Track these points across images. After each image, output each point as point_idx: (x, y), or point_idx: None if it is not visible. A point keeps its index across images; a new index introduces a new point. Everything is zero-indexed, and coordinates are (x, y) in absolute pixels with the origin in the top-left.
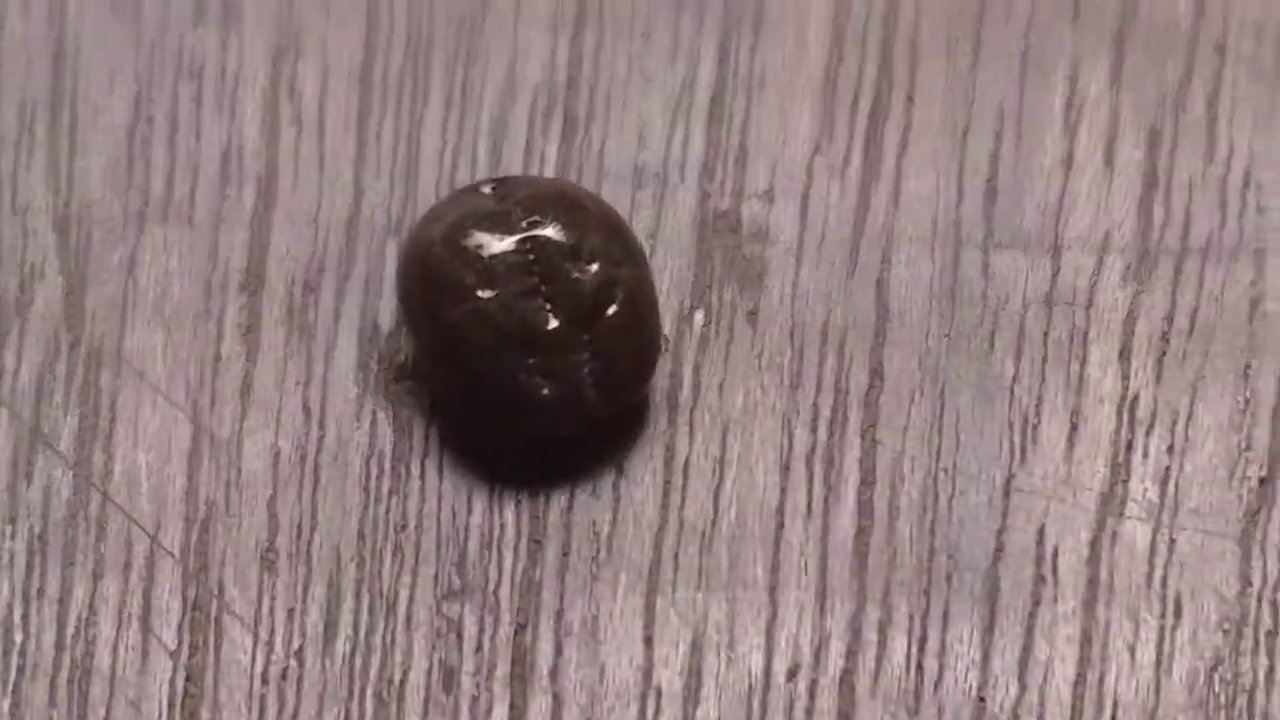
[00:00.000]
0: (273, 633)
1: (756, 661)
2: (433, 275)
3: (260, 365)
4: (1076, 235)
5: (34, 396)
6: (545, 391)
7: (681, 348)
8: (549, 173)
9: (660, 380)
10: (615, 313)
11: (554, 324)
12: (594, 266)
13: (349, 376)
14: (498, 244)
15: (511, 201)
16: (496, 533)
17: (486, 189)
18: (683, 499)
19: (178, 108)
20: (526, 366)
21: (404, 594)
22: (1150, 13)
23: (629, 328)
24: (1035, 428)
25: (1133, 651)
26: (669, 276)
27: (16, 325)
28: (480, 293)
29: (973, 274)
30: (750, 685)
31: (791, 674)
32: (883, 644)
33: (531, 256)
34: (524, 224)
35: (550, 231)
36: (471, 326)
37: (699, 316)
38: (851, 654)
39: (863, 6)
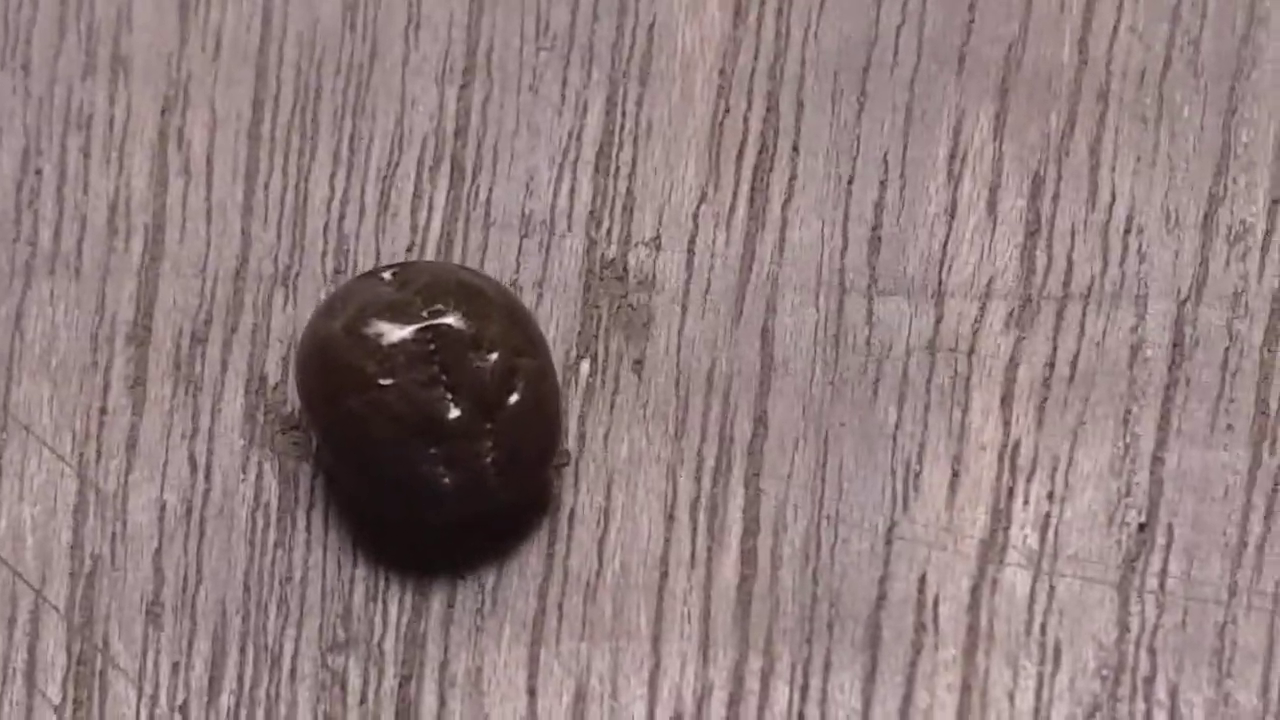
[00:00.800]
0: (157, 686)
1: (639, 711)
2: (334, 365)
3: (147, 418)
4: (960, 282)
5: None
6: (447, 480)
7: (567, 398)
8: (436, 222)
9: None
10: (517, 400)
11: (455, 413)
12: (494, 355)
13: (235, 429)
14: (398, 332)
15: (411, 290)
16: (381, 585)
17: (386, 275)
18: (568, 549)
19: (66, 159)
20: (429, 456)
21: (289, 646)
22: (1034, 62)
23: (531, 414)
24: (918, 475)
25: (1012, 699)
26: (555, 325)
27: None
28: (381, 380)
29: (857, 321)
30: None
31: None
32: (765, 693)
33: (432, 346)
34: (425, 313)
35: (451, 320)
36: (373, 415)
37: (585, 366)
38: (734, 702)
39: (748, 58)
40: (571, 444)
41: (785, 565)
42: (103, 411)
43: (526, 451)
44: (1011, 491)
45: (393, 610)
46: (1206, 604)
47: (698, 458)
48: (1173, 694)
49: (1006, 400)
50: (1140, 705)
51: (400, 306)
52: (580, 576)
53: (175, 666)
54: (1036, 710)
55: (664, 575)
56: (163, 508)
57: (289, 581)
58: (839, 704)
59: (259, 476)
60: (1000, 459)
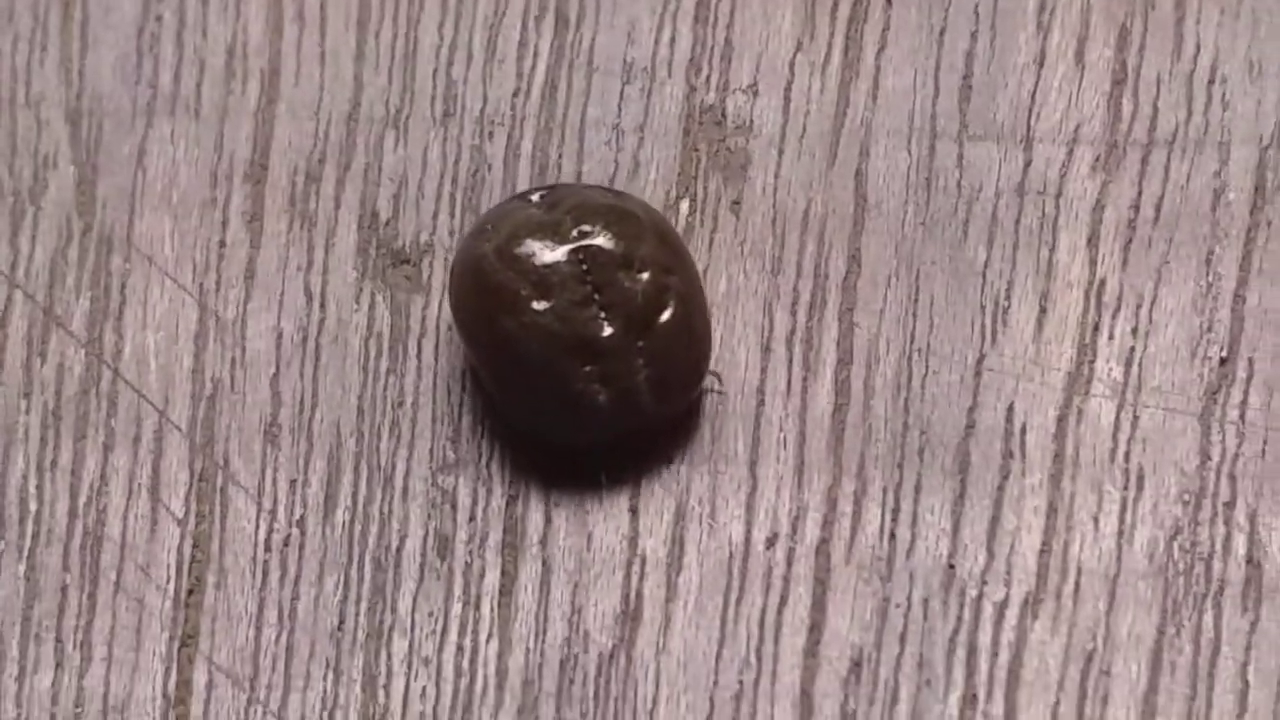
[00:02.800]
0: (276, 502)
1: (737, 531)
2: (488, 286)
3: (264, 251)
4: (1048, 129)
5: (48, 280)
6: (602, 398)
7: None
8: (540, 69)
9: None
10: (668, 319)
11: (609, 332)
12: (645, 275)
13: (348, 262)
14: (550, 254)
15: (561, 211)
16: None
17: (535, 196)
18: None
19: (185, 6)
20: (583, 374)
21: (400, 467)
22: None
23: (681, 333)
24: (1006, 311)
25: (1096, 522)
26: (656, 168)
27: (31, 212)
28: (535, 304)
29: (948, 165)
30: (730, 553)
31: (770, 543)
32: (857, 515)
33: (584, 266)
34: (575, 233)
35: (602, 241)
36: (528, 337)
37: (685, 206)
38: (827, 524)
39: None
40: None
41: (877, 395)
42: (222, 244)
43: (679, 368)
44: (1097, 327)
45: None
46: None
47: (793, 293)
48: (1251, 518)
49: (1092, 241)
50: (1220, 529)
51: (551, 227)
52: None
53: (293, 484)
54: (1120, 533)
55: (760, 404)
56: (279, 335)
57: (400, 406)
58: (929, 525)
59: (371, 307)
60: (1086, 296)
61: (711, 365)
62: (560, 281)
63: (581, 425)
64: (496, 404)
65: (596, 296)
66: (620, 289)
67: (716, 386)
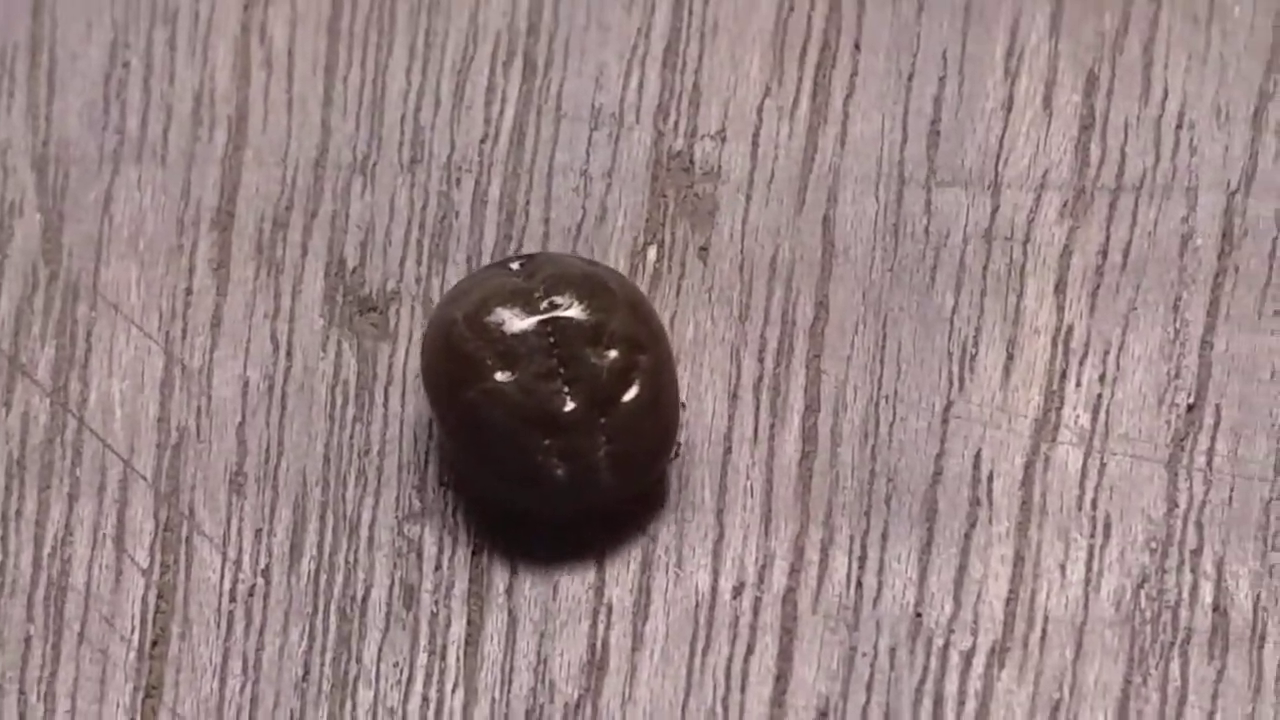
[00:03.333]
0: (241, 552)
1: (704, 580)
2: (455, 353)
3: (230, 298)
4: (1016, 174)
5: (13, 328)
6: (561, 473)
7: (635, 282)
8: (509, 115)
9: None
10: (633, 398)
11: (571, 407)
12: (613, 352)
13: (315, 309)
14: (519, 324)
15: (537, 280)
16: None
17: (515, 265)
18: None
19: (152, 52)
20: (543, 447)
21: (366, 516)
22: None
23: (646, 413)
24: (973, 357)
25: (1063, 570)
26: (624, 214)
27: None
28: (499, 374)
29: (916, 211)
30: (697, 602)
31: (737, 591)
32: (824, 563)
33: (552, 339)
34: (545, 304)
35: (572, 313)
36: (490, 406)
37: (652, 252)
38: (794, 572)
39: None
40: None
41: (845, 442)
42: (188, 292)
43: (641, 447)
44: (1064, 373)
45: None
46: (1252, 481)
47: (761, 339)
48: (1219, 566)
49: (1060, 286)
50: (1187, 576)
51: (523, 296)
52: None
53: (258, 533)
54: (1087, 580)
55: (728, 451)
56: (246, 383)
57: (367, 454)
58: (895, 574)
59: (338, 354)
60: (1054, 342)
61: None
62: (526, 353)
63: (540, 498)
64: (458, 471)
65: (562, 370)
66: (586, 364)
67: (676, 454)
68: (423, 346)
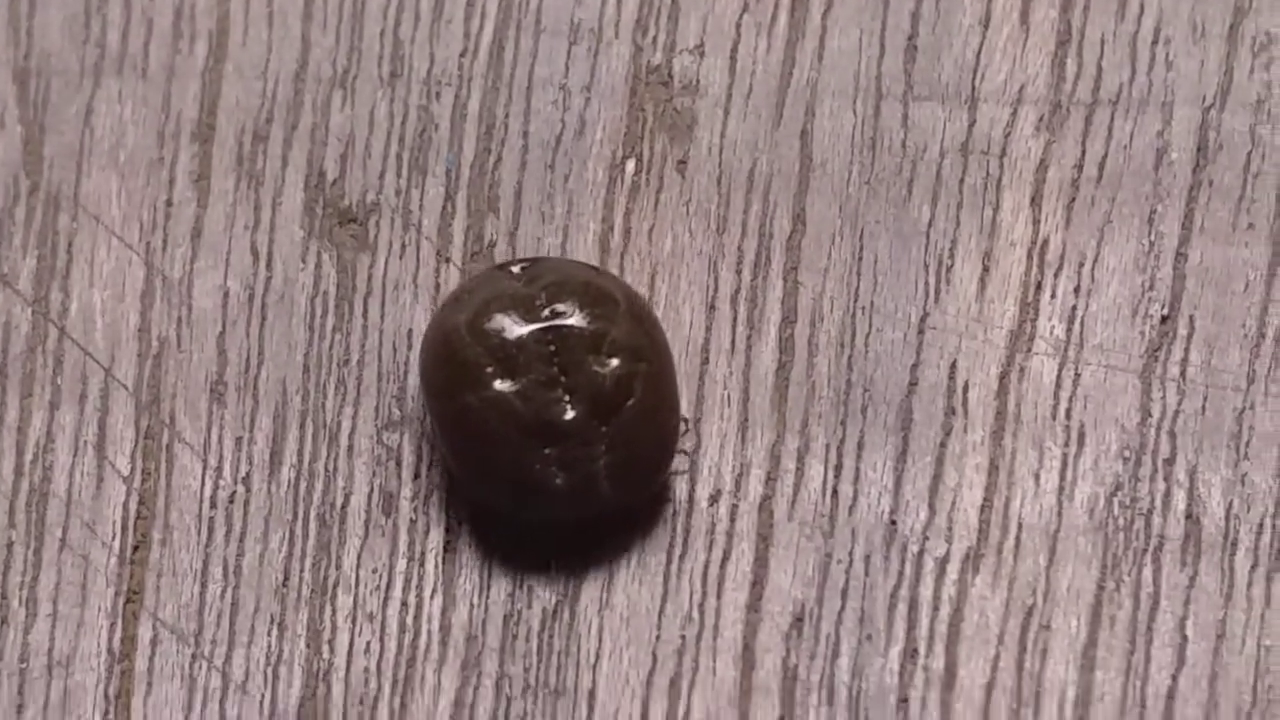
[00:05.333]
0: (221, 460)
1: (680, 487)
2: (454, 359)
3: (210, 210)
4: (992, 89)
5: None
6: (559, 481)
7: (613, 195)
8: (488, 29)
9: (592, 225)
10: (634, 406)
11: (571, 415)
12: (615, 361)
13: (295, 221)
14: (519, 330)
15: (538, 286)
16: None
17: (516, 269)
18: None
19: None
20: (542, 456)
21: (346, 424)
22: None
23: (647, 422)
24: (949, 269)
25: (1037, 478)
26: (602, 128)
27: None
28: (499, 382)
29: (893, 125)
30: (674, 509)
31: (713, 499)
32: (800, 471)
33: (552, 347)
34: (547, 312)
35: (573, 322)
36: (489, 413)
37: (630, 166)
38: (771, 480)
39: None
40: (617, 239)
41: (821, 353)
42: (169, 204)
43: (641, 457)
44: (1040, 285)
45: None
46: (1225, 391)
47: (738, 252)
48: (1191, 474)
49: (1036, 200)
50: (1160, 485)
51: (525, 303)
52: None
53: (238, 441)
54: (1061, 489)
55: (705, 362)
56: (226, 294)
57: (347, 364)
58: (871, 481)
59: (318, 266)
60: (1029, 255)
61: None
62: (526, 361)
63: (537, 507)
64: (453, 478)
65: (563, 379)
66: (587, 372)
67: (684, 468)
68: (421, 349)
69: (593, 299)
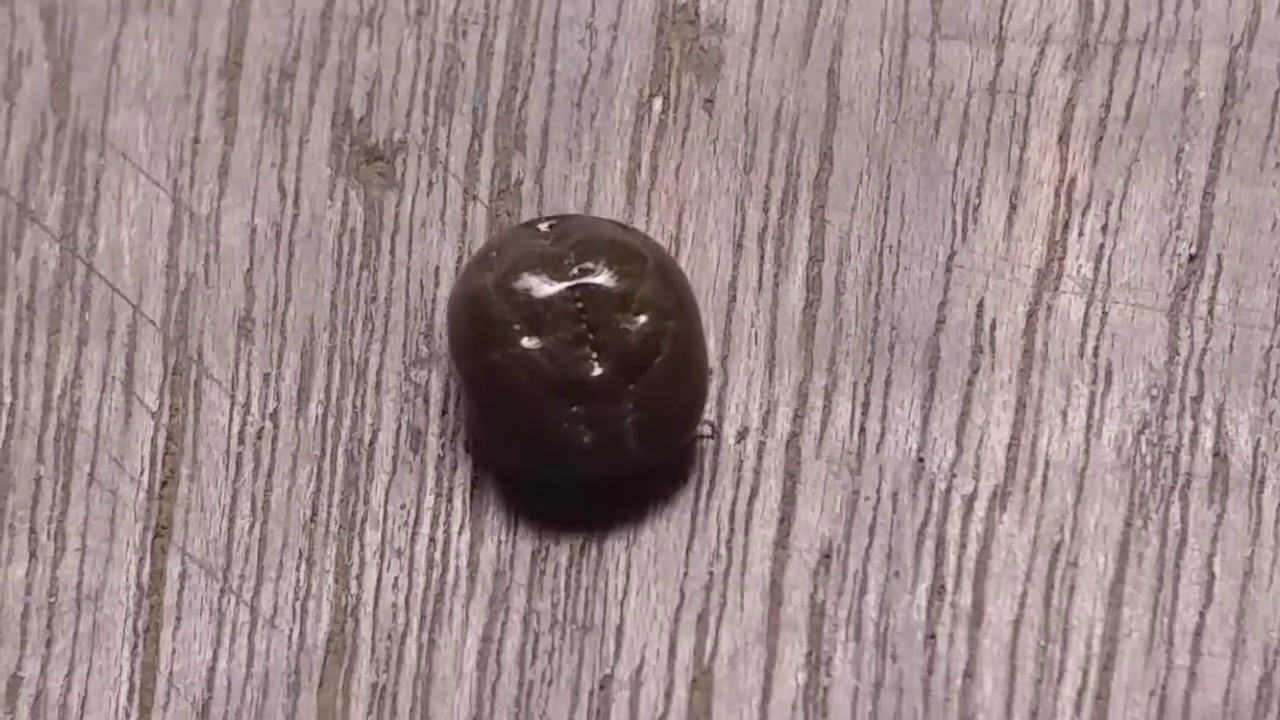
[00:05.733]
0: (249, 396)
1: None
2: (482, 317)
3: (238, 147)
4: (1020, 28)
5: (22, 175)
6: (587, 439)
7: (640, 133)
8: None
9: (619, 163)
10: (661, 364)
11: (599, 372)
12: (642, 318)
13: (322, 159)
14: (547, 289)
15: (566, 245)
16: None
17: (544, 226)
18: None
19: None
20: (570, 414)
21: (374, 361)
22: None
23: (675, 380)
24: (976, 208)
25: (1064, 416)
26: (629, 66)
27: (5, 108)
28: (526, 339)
29: (920, 64)
30: (702, 446)
31: (740, 436)
32: (828, 409)
33: (580, 305)
34: (575, 270)
35: (601, 279)
36: (516, 371)
37: (657, 104)
38: (798, 418)
39: None
40: (644, 176)
41: (849, 291)
42: (196, 141)
43: (669, 415)
44: (1067, 224)
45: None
46: (1253, 329)
47: (765, 190)
48: (1219, 412)
49: (1063, 139)
50: (1188, 423)
51: (553, 261)
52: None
53: (266, 378)
54: (1088, 426)
55: (732, 300)
56: (253, 231)
57: (374, 301)
58: (898, 419)
59: (345, 203)
60: (1057, 194)
61: (684, 259)
62: (554, 319)
63: (563, 465)
64: (479, 439)
65: (590, 336)
66: (615, 330)
67: (708, 432)
68: (449, 308)
69: (621, 257)
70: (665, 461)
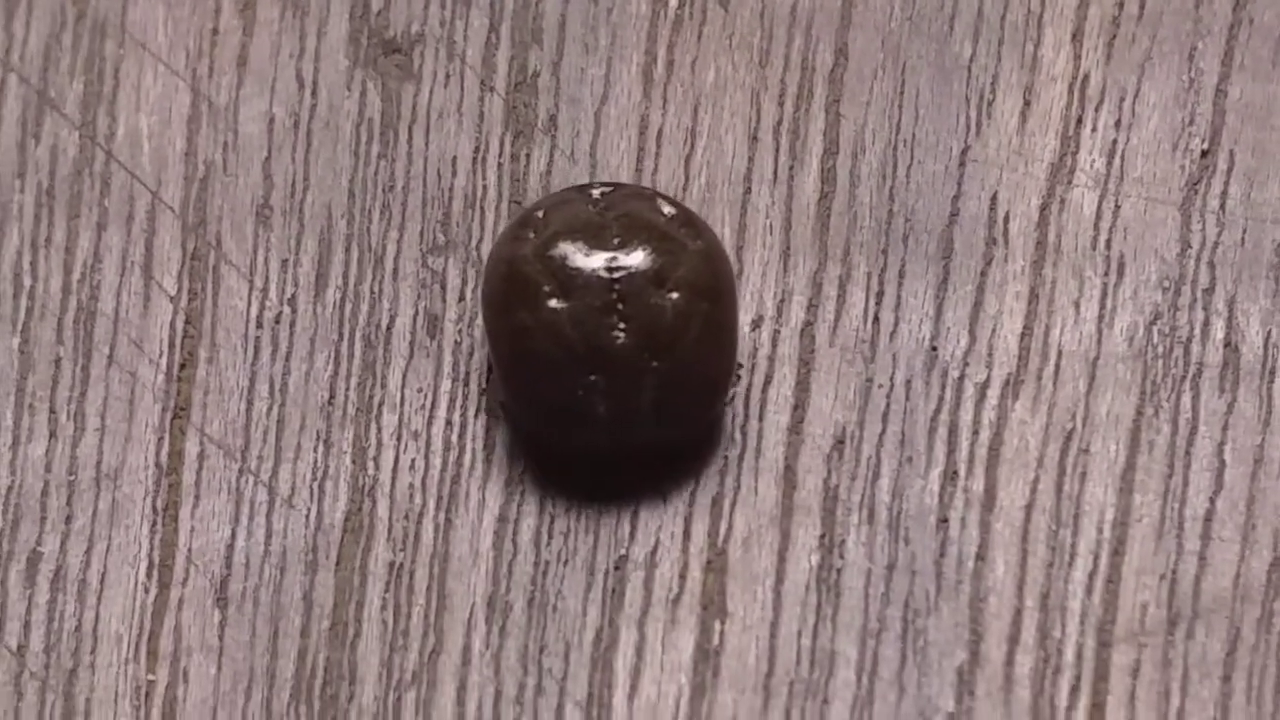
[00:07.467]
0: (267, 281)
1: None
2: (515, 276)
3: (256, 38)
4: None
5: (41, 64)
6: (602, 410)
7: (656, 27)
8: None
9: (635, 57)
10: (688, 344)
11: (622, 341)
12: (676, 295)
13: (340, 50)
14: (583, 259)
15: (613, 216)
16: (479, 193)
17: (596, 193)
18: (655, 166)
19: None
20: (587, 383)
21: (391, 248)
22: None
23: (699, 361)
24: (990, 104)
25: (1077, 306)
26: None
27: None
28: (553, 301)
29: None
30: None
31: (755, 324)
32: (842, 298)
33: (616, 275)
34: (617, 240)
35: (641, 254)
36: (540, 333)
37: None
38: (812, 307)
39: None
40: (660, 70)
41: (863, 183)
42: (214, 32)
43: (688, 396)
44: (1080, 119)
45: (489, 217)
46: (1264, 223)
47: (781, 84)
48: (1230, 304)
49: (1077, 36)
50: (1199, 314)
51: (594, 231)
52: (668, 190)
53: (284, 263)
54: (1100, 317)
55: (747, 191)
56: (271, 120)
57: (391, 190)
58: (912, 309)
59: (363, 94)
60: (1070, 89)
61: (699, 152)
62: (585, 284)
63: (577, 432)
64: (503, 400)
65: (620, 306)
66: (646, 304)
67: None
68: (488, 262)
69: (665, 234)
70: (683, 439)
